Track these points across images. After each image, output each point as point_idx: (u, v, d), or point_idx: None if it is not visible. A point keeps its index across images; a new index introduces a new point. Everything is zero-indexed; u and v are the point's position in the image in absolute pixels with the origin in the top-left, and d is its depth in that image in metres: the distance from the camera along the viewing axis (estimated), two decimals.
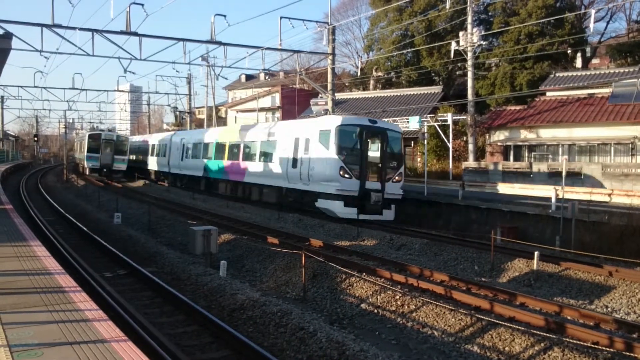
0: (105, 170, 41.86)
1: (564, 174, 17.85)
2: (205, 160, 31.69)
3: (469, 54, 27.66)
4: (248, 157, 26.70)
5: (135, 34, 21.33)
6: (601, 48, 43.16)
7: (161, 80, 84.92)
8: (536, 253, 12.68)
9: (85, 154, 41.89)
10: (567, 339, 8.37)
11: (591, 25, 24.14)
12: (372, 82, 50.65)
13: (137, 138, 54.03)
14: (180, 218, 21.54)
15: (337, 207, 19.69)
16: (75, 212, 23.75)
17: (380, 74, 48.28)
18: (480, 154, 32.18)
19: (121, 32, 21.13)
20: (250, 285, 12.21)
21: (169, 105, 59.85)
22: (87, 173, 43.19)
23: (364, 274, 12.22)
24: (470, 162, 28.76)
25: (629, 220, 15.56)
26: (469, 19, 27.79)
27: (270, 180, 24.32)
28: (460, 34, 28.40)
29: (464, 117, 30.06)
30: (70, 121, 71.66)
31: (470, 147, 30.22)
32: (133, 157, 46.29)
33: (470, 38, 27.18)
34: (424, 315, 9.94)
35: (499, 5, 39.19)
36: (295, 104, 47.86)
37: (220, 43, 23.30)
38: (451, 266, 13.90)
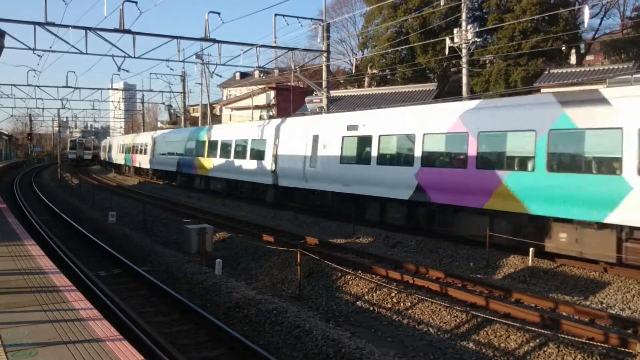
0: (79, 159, 70.57)
1: None
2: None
3: (464, 51, 27.60)
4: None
5: (128, 31, 21.21)
6: (595, 44, 43.20)
7: (155, 78, 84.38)
8: (531, 249, 12.70)
9: (68, 150, 72.12)
10: (563, 335, 8.41)
11: (585, 21, 24.10)
12: (366, 79, 50.55)
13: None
14: (175, 217, 21.49)
15: None
16: (70, 211, 23.66)
17: (375, 71, 48.18)
18: None
19: (115, 30, 21.01)
20: (246, 283, 12.20)
21: (163, 103, 59.74)
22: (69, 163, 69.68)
23: (360, 271, 12.22)
24: None
25: None
26: (464, 16, 27.72)
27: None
28: (455, 31, 28.29)
29: None
30: (64, 120, 74.14)
31: None
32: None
33: (464, 35, 27.13)
34: (420, 312, 9.95)
35: (493, 2, 39.13)
36: (290, 101, 47.67)
37: (214, 41, 23.21)
38: (446, 263, 13.91)
